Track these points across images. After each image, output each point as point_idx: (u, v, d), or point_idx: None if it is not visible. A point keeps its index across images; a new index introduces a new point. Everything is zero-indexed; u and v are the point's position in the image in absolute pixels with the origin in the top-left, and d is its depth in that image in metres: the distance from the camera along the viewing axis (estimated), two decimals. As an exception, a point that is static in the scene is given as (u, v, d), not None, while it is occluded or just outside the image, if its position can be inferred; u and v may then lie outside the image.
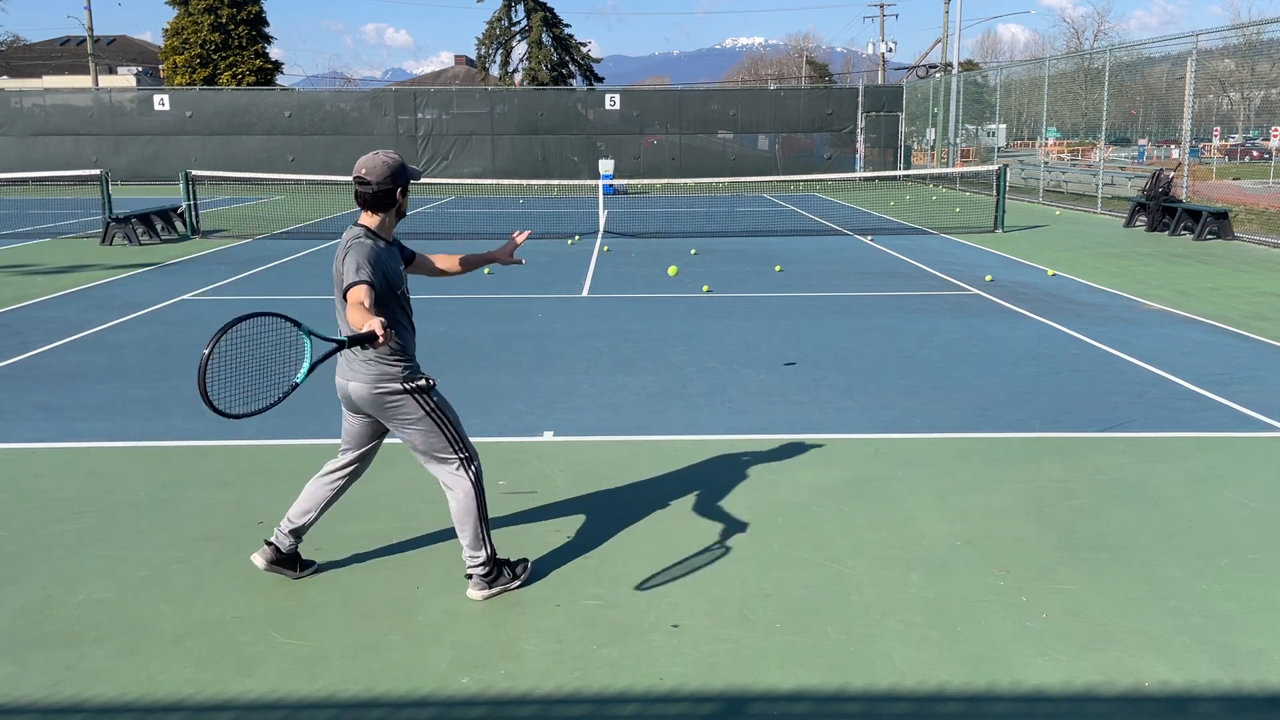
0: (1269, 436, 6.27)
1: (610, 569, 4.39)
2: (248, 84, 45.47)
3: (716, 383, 7.65)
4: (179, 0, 47.39)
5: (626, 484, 5.44)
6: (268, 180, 33.77)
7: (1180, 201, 19.13)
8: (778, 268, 14.05)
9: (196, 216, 19.50)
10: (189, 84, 45.50)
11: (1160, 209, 19.04)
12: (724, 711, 3.32)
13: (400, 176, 3.97)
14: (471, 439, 6.36)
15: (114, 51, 73.60)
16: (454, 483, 4.10)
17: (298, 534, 4.30)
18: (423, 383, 4.03)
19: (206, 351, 3.41)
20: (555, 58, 53.94)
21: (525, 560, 4.32)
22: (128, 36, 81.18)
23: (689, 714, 3.31)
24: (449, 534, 4.76)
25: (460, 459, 4.10)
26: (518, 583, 4.21)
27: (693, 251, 15.96)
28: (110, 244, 17.38)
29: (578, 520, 4.94)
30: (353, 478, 4.35)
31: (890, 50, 57.78)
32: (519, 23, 54.53)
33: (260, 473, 5.68)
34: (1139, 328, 9.71)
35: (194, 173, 20.31)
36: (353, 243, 3.89)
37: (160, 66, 52.27)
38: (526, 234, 4.67)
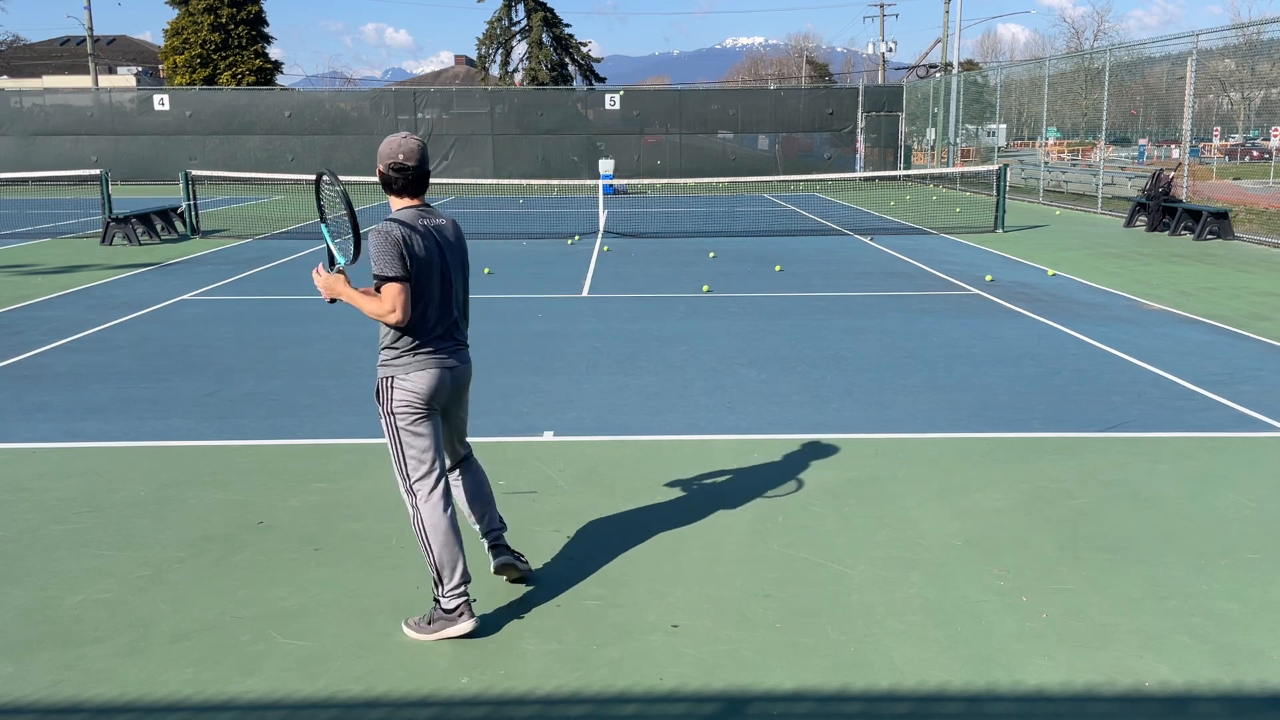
0: (1269, 436, 6.27)
1: (610, 569, 4.39)
2: (248, 84, 45.46)
3: (716, 383, 7.65)
4: (179, 0, 47.40)
5: (626, 484, 5.44)
6: (268, 180, 33.73)
7: (1180, 201, 19.13)
8: (778, 268, 14.05)
9: (196, 216, 19.50)
10: (189, 84, 45.49)
11: (1160, 209, 19.04)
12: (724, 712, 3.32)
13: (428, 157, 3.90)
14: (472, 439, 6.37)
15: (114, 51, 73.61)
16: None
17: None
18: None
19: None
20: (555, 58, 53.93)
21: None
22: (128, 36, 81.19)
23: (689, 714, 3.31)
24: (449, 534, 4.76)
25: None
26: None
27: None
28: (110, 244, 17.38)
29: (578, 520, 4.94)
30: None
31: (890, 50, 57.79)
32: (519, 23, 54.52)
33: (260, 473, 5.68)
34: (1139, 328, 9.71)
35: (194, 173, 20.32)
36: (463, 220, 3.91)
37: (160, 66, 52.27)
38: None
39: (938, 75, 42.62)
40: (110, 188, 18.95)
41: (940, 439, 6.24)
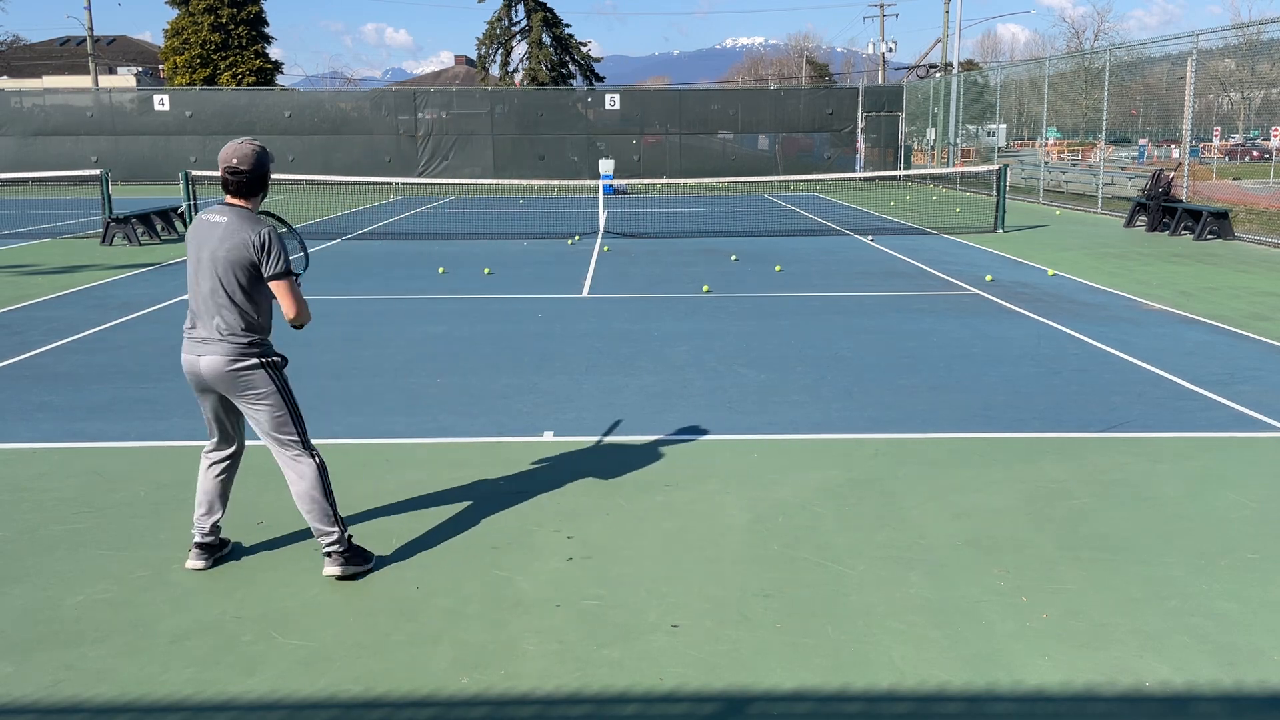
0: (1269, 436, 6.27)
1: (610, 569, 4.39)
2: (248, 84, 45.47)
3: (716, 383, 7.65)
4: (179, 0, 47.41)
5: (627, 484, 5.44)
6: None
7: (1180, 201, 19.13)
8: (778, 268, 14.06)
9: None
10: (189, 84, 45.50)
11: (1160, 209, 19.04)
12: (724, 712, 3.32)
13: (267, 161, 4.24)
14: (471, 439, 6.37)
15: (114, 51, 73.61)
16: (297, 464, 4.27)
17: (216, 526, 4.45)
18: (277, 359, 4.25)
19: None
20: (555, 58, 53.92)
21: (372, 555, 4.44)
22: (128, 36, 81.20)
23: (689, 714, 3.31)
24: (450, 534, 4.77)
25: (303, 441, 4.29)
26: (368, 567, 4.36)
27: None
28: (110, 244, 17.38)
29: (578, 520, 4.94)
30: (235, 460, 4.49)
31: (890, 50, 57.80)
32: (519, 23, 54.51)
33: (260, 473, 5.68)
34: (1139, 328, 9.71)
35: (194, 173, 20.31)
36: (268, 228, 4.14)
37: (160, 66, 52.29)
38: None
39: (938, 75, 42.63)
40: (110, 188, 18.96)
41: (940, 439, 6.24)
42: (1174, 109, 25.99)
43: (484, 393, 7.41)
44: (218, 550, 4.47)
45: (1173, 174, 19.99)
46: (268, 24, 49.16)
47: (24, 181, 35.65)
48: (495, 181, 25.72)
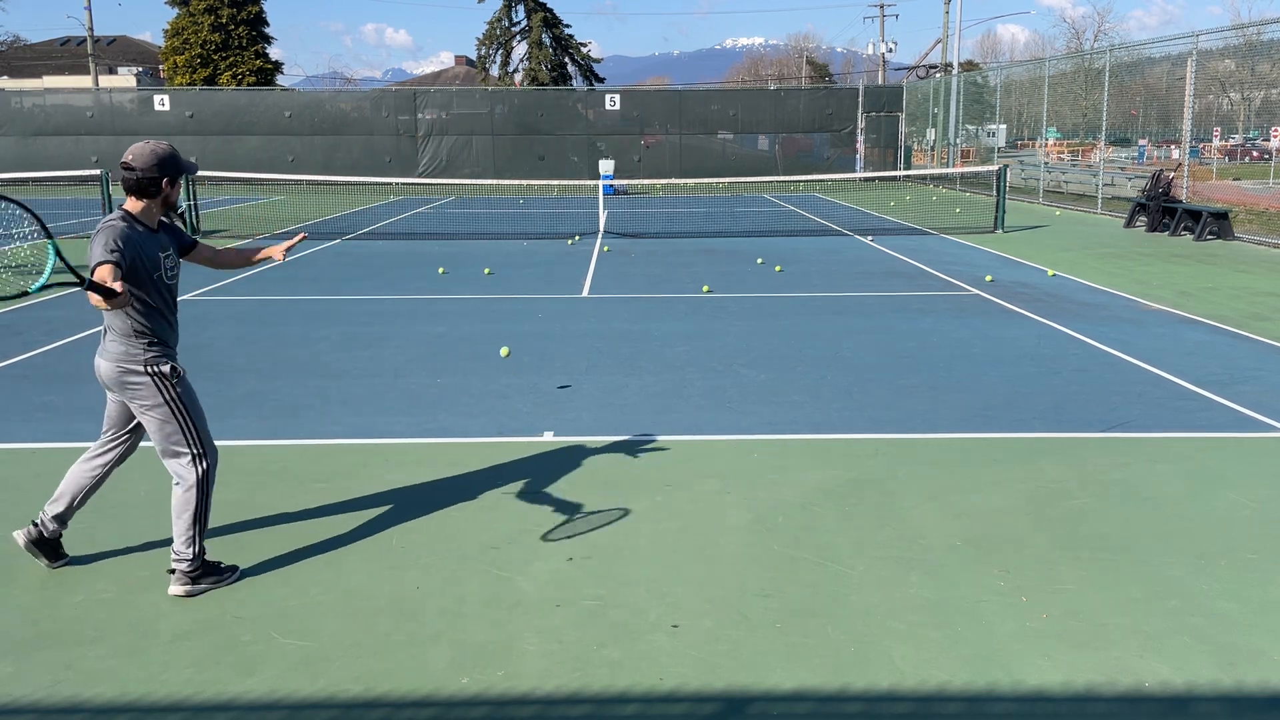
0: (1269, 436, 6.27)
1: (610, 569, 4.39)
2: (248, 84, 45.48)
3: (716, 383, 7.65)
4: (179, 0, 47.40)
5: (626, 484, 5.44)
6: (268, 180, 33.77)
7: (1180, 202, 19.13)
8: (778, 268, 14.05)
9: (197, 217, 19.51)
10: (189, 84, 45.50)
11: (1160, 209, 19.04)
12: (724, 712, 3.32)
13: (167, 167, 4.11)
14: (471, 439, 6.37)
15: (114, 51, 73.61)
16: (182, 476, 4.21)
17: (61, 520, 4.39)
18: (165, 369, 4.12)
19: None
20: (555, 58, 53.94)
21: (235, 567, 4.36)
22: (128, 36, 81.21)
23: (689, 714, 3.31)
24: (450, 534, 4.77)
25: (193, 454, 4.19)
26: (226, 583, 4.25)
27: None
28: (110, 244, 17.35)
29: (578, 520, 4.94)
30: (116, 464, 4.44)
31: (890, 50, 57.82)
32: (519, 23, 54.54)
33: (260, 473, 5.68)
34: (1139, 328, 9.71)
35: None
36: (104, 225, 4.03)
37: (160, 67, 52.29)
38: (303, 237, 5.04)
39: (938, 75, 42.64)
40: (110, 188, 18.95)
41: (940, 439, 6.24)
42: (1174, 109, 26.00)
43: (484, 393, 7.41)
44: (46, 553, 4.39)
45: (1172, 174, 19.99)
46: (268, 24, 49.20)
47: (24, 181, 35.62)
48: (495, 181, 25.73)
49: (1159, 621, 3.89)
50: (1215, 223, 17.61)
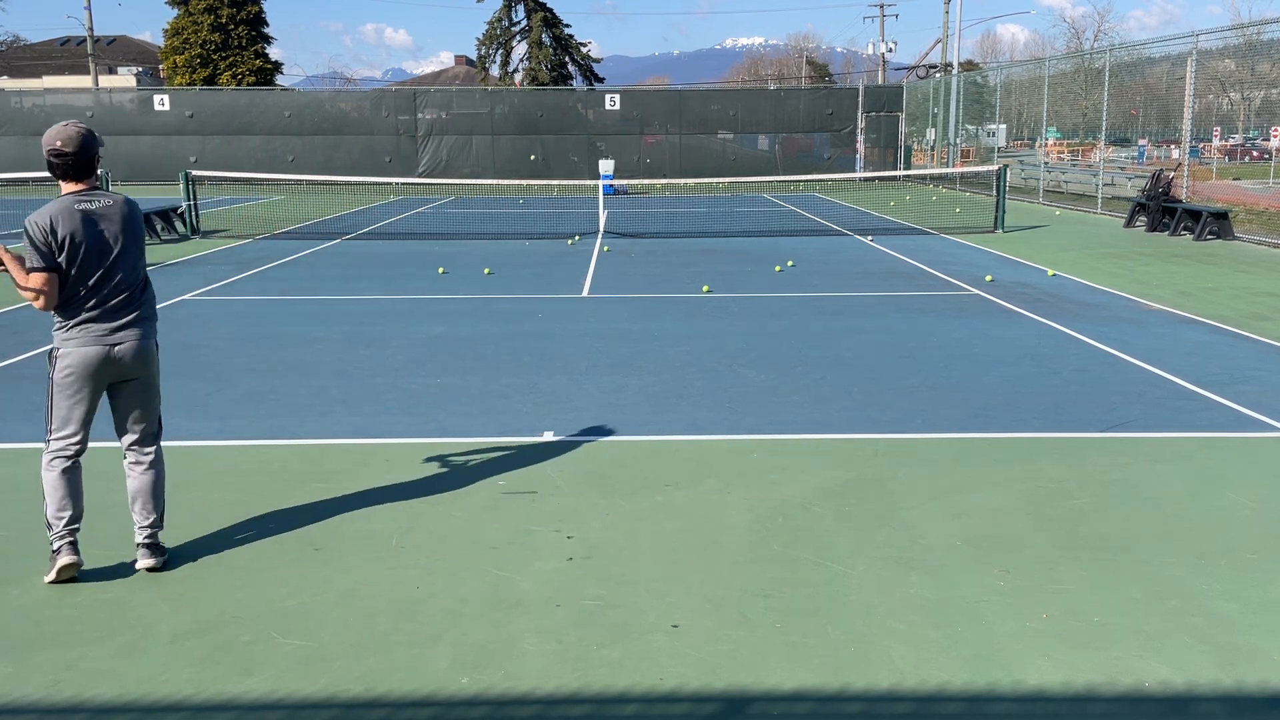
0: (1269, 436, 6.27)
1: (610, 569, 4.39)
2: (248, 84, 45.47)
3: (716, 383, 7.65)
4: (179, 0, 47.40)
5: (626, 484, 5.44)
6: (268, 180, 33.77)
7: (1180, 202, 19.13)
8: (777, 268, 14.06)
9: (196, 216, 19.50)
10: (189, 84, 45.50)
11: (1160, 209, 19.04)
12: (724, 712, 3.32)
13: (93, 143, 4.19)
14: (471, 439, 6.36)
15: (114, 51, 73.60)
16: (158, 452, 4.51)
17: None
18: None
19: None
20: (555, 58, 53.93)
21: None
22: (128, 36, 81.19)
23: (689, 714, 3.31)
24: (450, 534, 4.77)
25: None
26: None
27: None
28: (110, 244, 17.34)
29: (578, 520, 4.94)
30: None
31: (890, 50, 57.81)
32: (519, 23, 54.52)
33: (260, 473, 5.68)
34: (1139, 328, 9.71)
35: (194, 173, 20.32)
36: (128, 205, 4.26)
37: (160, 66, 52.27)
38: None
39: (938, 75, 42.63)
40: (110, 188, 18.93)
41: (940, 439, 6.24)
42: (1174, 109, 26.01)
43: (484, 393, 7.41)
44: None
45: (1172, 174, 19.99)
46: (268, 24, 49.19)
47: (24, 181, 35.65)
48: (495, 181, 25.73)
49: (1159, 621, 3.89)
50: (1215, 223, 17.61)
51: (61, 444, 4.30)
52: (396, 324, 10.15)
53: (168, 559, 4.43)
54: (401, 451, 6.05)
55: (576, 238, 18.42)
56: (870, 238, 18.15)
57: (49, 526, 4.28)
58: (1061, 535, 4.73)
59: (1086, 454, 5.90)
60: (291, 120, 38.45)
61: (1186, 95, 20.81)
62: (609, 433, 6.41)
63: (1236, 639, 3.75)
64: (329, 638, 3.80)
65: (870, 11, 68.03)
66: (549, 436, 6.32)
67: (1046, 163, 31.33)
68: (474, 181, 29.22)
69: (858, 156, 38.23)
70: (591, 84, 53.46)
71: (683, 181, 32.97)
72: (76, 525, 4.30)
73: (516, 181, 26.01)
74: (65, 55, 71.92)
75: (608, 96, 39.58)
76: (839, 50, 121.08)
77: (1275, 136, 24.20)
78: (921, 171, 34.05)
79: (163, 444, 5.48)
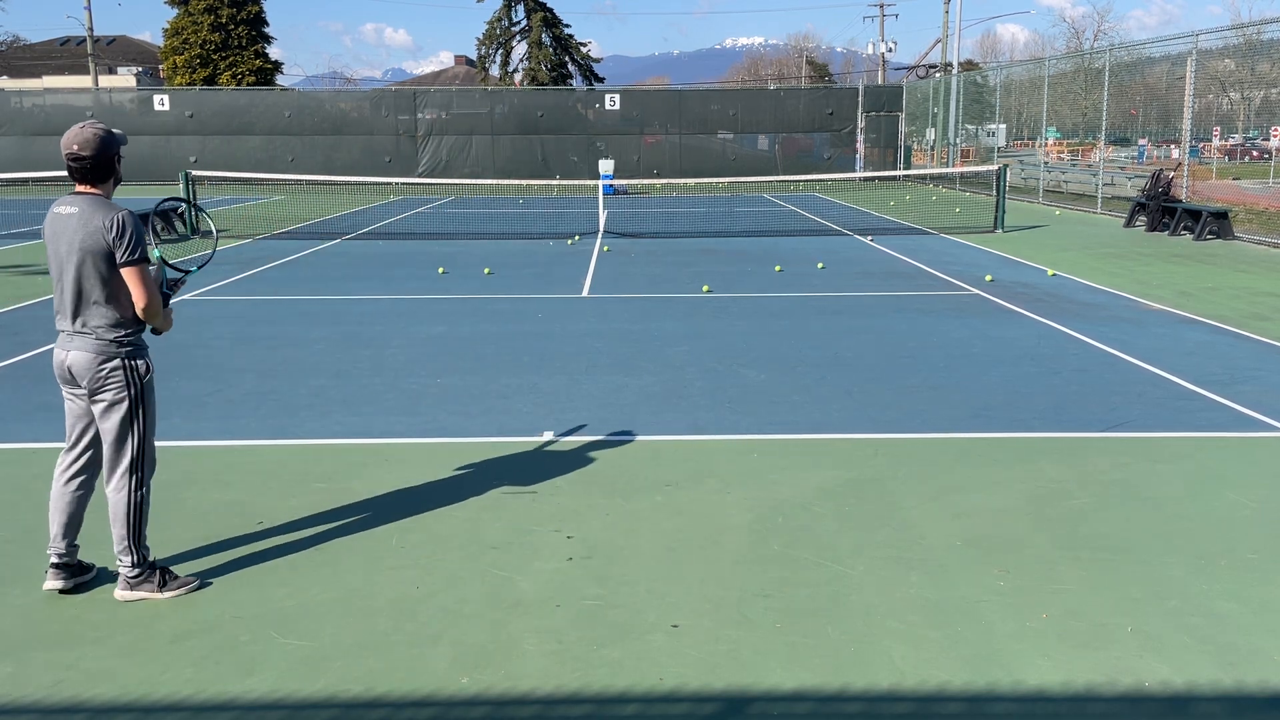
0: (1269, 436, 6.27)
1: (610, 569, 4.39)
2: (248, 84, 45.49)
3: (716, 383, 7.65)
4: (179, 0, 47.40)
5: (626, 484, 5.44)
6: (268, 180, 33.78)
7: (1180, 201, 19.13)
8: (777, 268, 14.06)
9: (196, 217, 19.48)
10: (189, 84, 45.51)
11: (1160, 209, 19.04)
12: (724, 712, 3.32)
13: (112, 144, 4.00)
14: (471, 439, 6.37)
15: (114, 51, 73.60)
16: (118, 488, 4.16)
17: (74, 548, 4.26)
18: (140, 362, 4.12)
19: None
20: (555, 58, 53.94)
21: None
22: (128, 36, 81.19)
23: (689, 714, 3.31)
24: (450, 534, 4.77)
25: (130, 463, 4.14)
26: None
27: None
28: (110, 244, 17.34)
29: (578, 520, 4.94)
30: (92, 472, 4.28)
31: (890, 50, 57.79)
32: (519, 23, 54.53)
33: (260, 473, 5.68)
34: (1139, 328, 9.71)
35: (194, 173, 20.31)
36: (123, 215, 3.94)
37: (160, 66, 52.29)
38: None
39: (937, 75, 42.63)
40: (110, 188, 18.92)
41: (940, 439, 6.24)
42: (1174, 109, 26.01)
43: (484, 393, 7.41)
44: (79, 573, 4.24)
45: (1172, 174, 19.99)
46: (267, 24, 49.25)
47: (24, 181, 35.64)
48: (495, 181, 25.72)
49: (1159, 621, 3.89)
50: (1215, 222, 17.61)
51: (64, 450, 4.23)
52: (396, 324, 10.15)
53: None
54: (401, 451, 6.05)
55: (576, 238, 18.41)
56: (870, 238, 18.15)
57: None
58: (1061, 535, 4.73)
59: (1086, 454, 5.90)
60: (291, 120, 38.44)
61: (1186, 95, 20.81)
62: (609, 433, 6.41)
63: (1236, 639, 3.75)
64: (329, 638, 3.80)
65: (870, 11, 68.05)
66: (548, 436, 6.32)
67: (1046, 162, 31.33)
68: (474, 181, 29.21)
69: (858, 156, 38.23)
70: (591, 84, 53.47)
71: (683, 181, 32.95)
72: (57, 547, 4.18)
73: (516, 181, 25.99)
74: (65, 55, 71.95)
75: (607, 96, 39.58)
76: (839, 50, 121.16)
77: (1275, 136, 24.20)
78: (921, 171, 34.05)
79: (162, 444, 5.47)
